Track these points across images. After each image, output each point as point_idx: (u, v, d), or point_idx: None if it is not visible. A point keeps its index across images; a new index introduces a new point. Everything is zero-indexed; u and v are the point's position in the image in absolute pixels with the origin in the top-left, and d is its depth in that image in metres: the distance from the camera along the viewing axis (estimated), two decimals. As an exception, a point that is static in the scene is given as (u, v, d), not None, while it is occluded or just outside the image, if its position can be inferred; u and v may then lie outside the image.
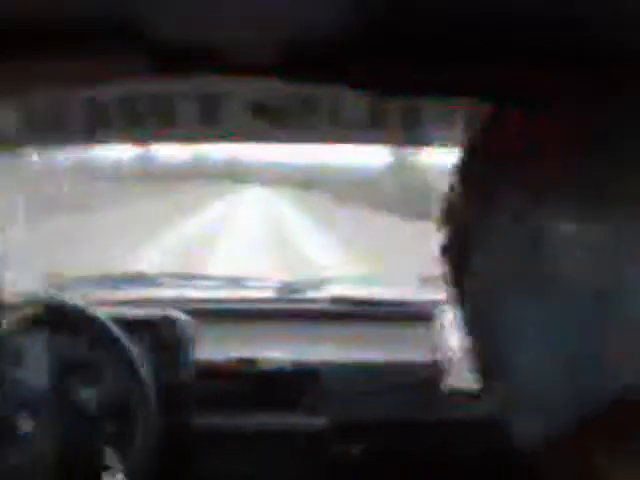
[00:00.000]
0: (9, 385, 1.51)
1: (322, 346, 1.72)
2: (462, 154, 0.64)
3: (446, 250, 0.64)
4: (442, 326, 1.68)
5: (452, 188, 0.63)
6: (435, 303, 1.78)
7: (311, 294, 1.99)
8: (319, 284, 2.05)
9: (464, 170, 0.62)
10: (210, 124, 1.29)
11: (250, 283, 2.12)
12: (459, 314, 0.62)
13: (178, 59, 0.86)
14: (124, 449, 1.47)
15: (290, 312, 1.88)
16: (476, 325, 0.60)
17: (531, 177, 0.56)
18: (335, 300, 1.91)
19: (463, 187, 0.61)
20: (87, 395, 1.53)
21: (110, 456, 1.49)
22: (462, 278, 0.60)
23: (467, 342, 0.64)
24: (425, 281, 2.13)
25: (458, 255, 0.61)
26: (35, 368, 1.53)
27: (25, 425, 1.46)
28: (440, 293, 1.93)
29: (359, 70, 0.85)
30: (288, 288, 2.02)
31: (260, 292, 2.02)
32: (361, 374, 1.65)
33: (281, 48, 0.85)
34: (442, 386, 1.60)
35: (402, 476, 1.66)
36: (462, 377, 1.60)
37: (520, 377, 0.57)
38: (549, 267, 0.54)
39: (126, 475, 1.43)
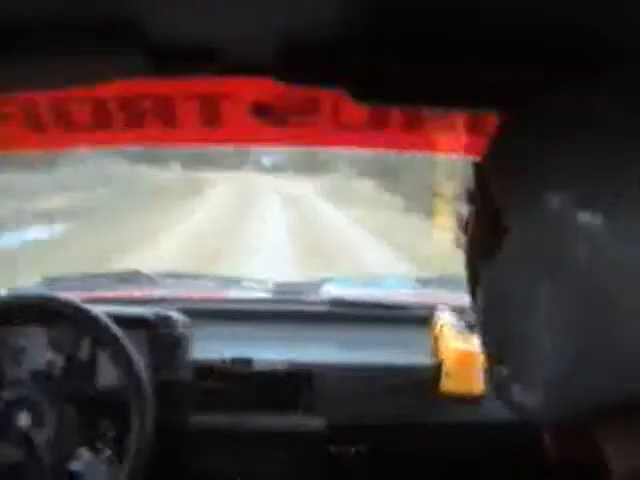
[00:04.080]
0: (8, 384, 1.51)
1: (318, 347, 1.72)
2: (491, 138, 0.66)
3: (469, 229, 0.66)
4: (440, 328, 1.68)
5: (479, 170, 0.65)
6: (434, 305, 1.78)
7: (308, 295, 1.98)
8: (316, 285, 2.05)
9: (496, 152, 0.64)
10: (210, 125, 1.29)
11: (247, 283, 2.12)
12: (477, 296, 0.64)
13: (178, 59, 0.86)
14: (121, 448, 1.46)
15: (287, 313, 1.88)
16: (493, 306, 0.62)
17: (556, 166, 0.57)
18: (332, 302, 1.91)
19: (494, 171, 0.63)
20: (84, 394, 1.52)
21: (107, 455, 1.49)
22: (483, 258, 0.62)
23: (481, 325, 0.66)
24: (423, 283, 2.13)
25: (482, 234, 0.63)
26: (33, 367, 1.53)
27: (23, 423, 1.45)
28: (438, 295, 1.94)
29: (359, 70, 0.85)
30: (285, 289, 2.02)
31: (257, 292, 2.02)
32: (358, 376, 1.65)
33: (281, 48, 0.85)
34: (440, 388, 1.60)
35: (400, 478, 1.66)
36: (460, 380, 1.60)
37: (535, 360, 0.58)
38: (569, 251, 0.55)
39: (123, 474, 1.43)
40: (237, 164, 19.19)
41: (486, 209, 0.62)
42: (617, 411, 0.56)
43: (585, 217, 0.55)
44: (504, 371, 0.62)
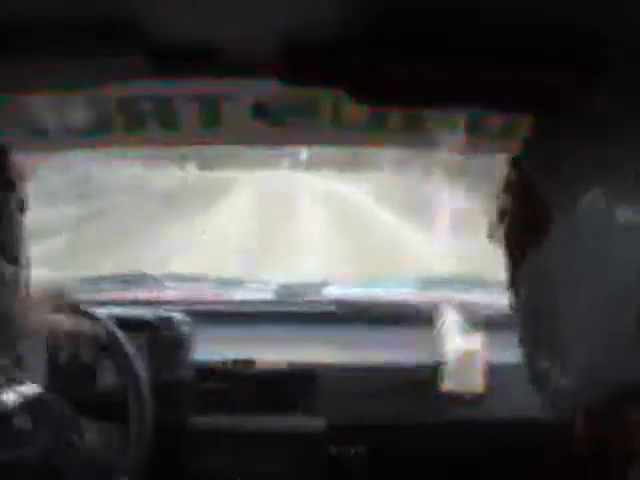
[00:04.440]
0: (8, 384, 1.51)
1: (320, 348, 1.72)
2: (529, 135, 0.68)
3: (508, 221, 0.69)
4: (442, 328, 1.68)
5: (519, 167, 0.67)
6: (435, 305, 1.78)
7: (310, 296, 1.98)
8: (318, 286, 2.05)
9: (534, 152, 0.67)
10: (210, 125, 1.29)
11: (249, 285, 2.12)
12: (518, 285, 0.67)
13: (178, 59, 0.86)
14: (121, 449, 1.46)
15: (289, 314, 1.88)
16: (532, 301, 0.65)
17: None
18: (334, 302, 1.91)
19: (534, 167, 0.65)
20: (85, 394, 1.53)
21: (106, 455, 1.49)
22: (528, 249, 0.65)
23: (520, 316, 0.68)
24: (425, 283, 2.13)
25: (526, 226, 0.66)
26: (34, 367, 1.53)
27: (23, 424, 1.45)
28: (440, 295, 1.94)
29: (359, 71, 0.85)
30: (287, 290, 2.02)
31: (259, 294, 2.02)
32: (359, 376, 1.65)
33: (281, 48, 0.85)
34: (440, 388, 1.60)
35: (400, 478, 1.66)
36: (461, 380, 1.60)
37: (573, 347, 0.61)
38: (607, 245, 0.58)
39: (123, 475, 1.43)
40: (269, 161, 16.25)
41: (529, 202, 0.64)
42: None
43: (623, 212, 0.57)
44: (544, 359, 0.65)
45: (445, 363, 1.61)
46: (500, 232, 0.71)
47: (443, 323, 1.69)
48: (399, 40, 0.80)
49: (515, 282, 0.68)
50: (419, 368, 1.64)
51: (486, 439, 1.62)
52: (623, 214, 0.57)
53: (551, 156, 0.64)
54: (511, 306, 0.71)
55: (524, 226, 0.66)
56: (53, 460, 1.45)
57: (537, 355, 0.66)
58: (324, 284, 2.06)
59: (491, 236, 0.73)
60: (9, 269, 0.66)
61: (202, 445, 1.62)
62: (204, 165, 15.36)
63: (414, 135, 1.32)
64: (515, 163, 0.69)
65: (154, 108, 1.24)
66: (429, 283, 2.13)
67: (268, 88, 1.10)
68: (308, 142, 1.50)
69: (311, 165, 18.18)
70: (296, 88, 0.99)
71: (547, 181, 0.63)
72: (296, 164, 17.71)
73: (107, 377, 1.54)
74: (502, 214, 0.70)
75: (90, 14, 0.73)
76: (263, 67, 0.90)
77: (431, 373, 1.61)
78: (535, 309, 0.65)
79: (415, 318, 1.80)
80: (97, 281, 2.03)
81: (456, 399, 1.60)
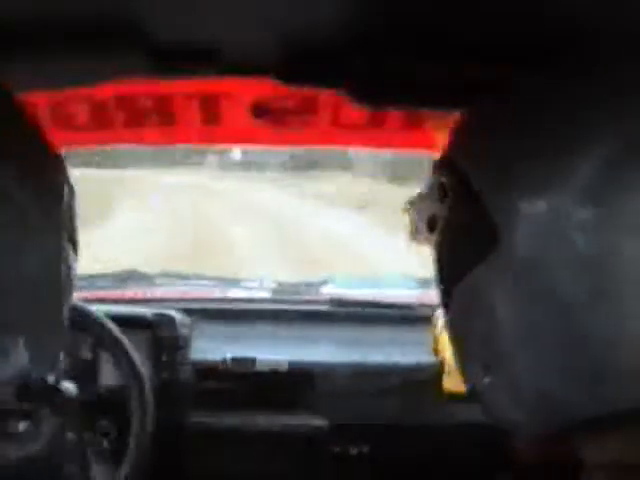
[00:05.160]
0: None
1: (319, 347, 1.72)
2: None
3: (441, 227, 0.62)
4: (441, 328, 1.68)
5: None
6: (434, 305, 1.78)
7: (309, 295, 1.98)
8: (317, 285, 2.05)
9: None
10: (210, 124, 1.29)
11: (248, 283, 2.12)
12: (454, 297, 0.61)
13: (178, 59, 0.86)
14: (121, 448, 1.46)
15: (287, 313, 1.88)
16: (476, 321, 0.58)
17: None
18: (333, 301, 1.91)
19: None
20: (85, 393, 1.52)
21: (107, 455, 1.49)
22: (466, 258, 0.58)
23: (460, 330, 0.63)
24: (424, 282, 2.13)
25: (463, 233, 0.60)
26: None
27: (23, 423, 1.45)
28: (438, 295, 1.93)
29: (359, 71, 0.85)
30: (286, 288, 2.02)
31: (258, 292, 2.02)
32: (359, 375, 1.65)
33: (281, 48, 0.85)
34: (441, 388, 1.60)
35: (400, 478, 1.66)
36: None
37: (523, 375, 0.56)
38: (555, 257, 0.52)
39: (123, 474, 1.43)
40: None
41: (467, 207, 0.58)
42: (597, 422, 0.54)
43: (575, 214, 0.52)
44: (486, 379, 0.59)
45: (445, 363, 1.60)
46: (428, 238, 0.64)
47: (443, 322, 1.69)
48: (399, 40, 0.80)
49: (449, 292, 0.61)
50: (419, 368, 1.64)
51: (485, 439, 1.62)
52: (575, 216, 0.52)
53: (488, 153, 0.57)
54: (447, 323, 0.65)
55: (458, 234, 0.60)
56: (53, 459, 1.45)
57: (480, 375, 0.60)
58: (323, 283, 2.06)
59: (414, 240, 0.67)
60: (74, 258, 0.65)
61: (201, 444, 1.62)
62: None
63: (414, 135, 1.32)
64: (447, 162, 0.62)
65: (154, 107, 1.24)
66: (429, 283, 2.12)
67: (268, 88, 1.10)
68: (308, 142, 1.50)
69: (249, 165, 11.32)
70: (295, 88, 0.99)
71: (492, 183, 0.56)
72: (227, 164, 11.57)
73: (107, 376, 1.54)
74: (431, 220, 0.63)
75: (90, 13, 0.72)
76: (263, 67, 0.90)
77: (431, 373, 1.61)
78: (477, 329, 0.58)
79: (415, 318, 1.80)
80: (92, 279, 2.03)
81: (456, 399, 1.60)
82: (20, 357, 0.59)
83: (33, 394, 0.91)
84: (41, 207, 0.59)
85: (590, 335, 0.52)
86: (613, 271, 0.51)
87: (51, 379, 1.10)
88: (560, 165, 0.53)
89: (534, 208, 0.53)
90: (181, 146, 1.80)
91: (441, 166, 0.63)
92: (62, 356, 1.52)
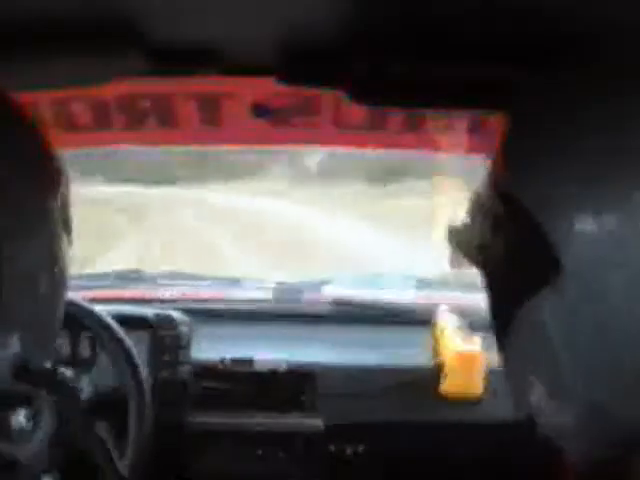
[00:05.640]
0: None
1: (319, 348, 1.72)
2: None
3: (490, 248, 0.62)
4: (441, 329, 1.68)
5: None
6: (434, 306, 1.78)
7: (309, 295, 1.98)
8: (317, 285, 2.04)
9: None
10: (210, 125, 1.29)
11: (248, 284, 2.11)
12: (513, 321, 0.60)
13: (178, 59, 0.86)
14: (120, 448, 1.46)
15: (287, 313, 1.87)
16: (538, 347, 0.58)
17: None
18: (333, 302, 1.91)
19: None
20: (84, 393, 1.52)
21: (105, 454, 1.49)
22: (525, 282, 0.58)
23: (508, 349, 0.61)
24: (424, 283, 2.13)
25: (515, 254, 0.59)
26: None
27: (21, 422, 1.45)
28: (439, 296, 1.94)
29: (359, 72, 0.85)
30: (286, 289, 2.01)
31: (258, 293, 2.02)
32: (358, 376, 1.65)
33: (281, 48, 0.85)
34: (440, 389, 1.60)
35: (399, 478, 1.66)
36: (460, 380, 1.60)
37: (581, 395, 0.56)
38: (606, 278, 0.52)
39: (122, 474, 1.43)
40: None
41: (521, 231, 0.57)
42: None
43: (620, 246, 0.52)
44: (539, 389, 0.59)
45: (444, 364, 1.61)
46: (477, 262, 0.64)
47: (442, 323, 1.69)
48: (399, 41, 0.80)
49: (506, 322, 0.60)
50: (418, 368, 1.64)
51: (485, 439, 1.62)
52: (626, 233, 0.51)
53: (538, 176, 0.56)
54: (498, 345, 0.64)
55: (514, 259, 0.59)
56: (52, 459, 1.45)
57: (528, 386, 0.59)
58: (323, 283, 2.06)
59: (456, 267, 0.67)
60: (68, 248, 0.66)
61: (201, 444, 1.62)
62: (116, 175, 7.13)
63: (414, 135, 1.32)
64: (495, 190, 0.60)
65: (154, 107, 1.24)
66: (429, 284, 2.12)
67: (268, 88, 1.10)
68: (308, 142, 1.50)
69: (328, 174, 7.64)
70: (296, 88, 0.99)
71: (538, 204, 0.56)
72: (301, 172, 7.93)
73: (106, 375, 1.54)
74: (481, 248, 0.62)
75: (90, 14, 0.72)
76: (263, 67, 0.90)
77: (430, 374, 1.61)
78: (533, 355, 0.58)
79: (414, 318, 1.80)
80: (93, 278, 2.03)
81: (455, 400, 1.60)
82: (15, 346, 0.60)
83: (30, 376, 0.92)
84: (36, 203, 0.59)
85: None
86: None
87: (48, 365, 1.10)
88: (612, 187, 0.53)
89: (587, 226, 0.53)
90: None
91: (489, 194, 0.62)
92: (59, 345, 1.52)
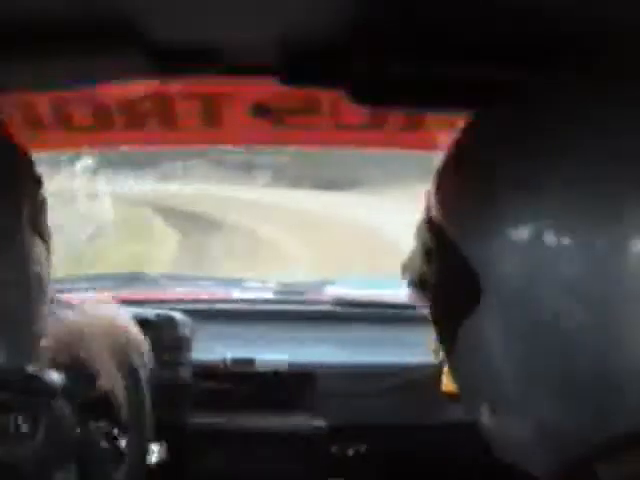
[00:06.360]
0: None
1: (320, 348, 1.72)
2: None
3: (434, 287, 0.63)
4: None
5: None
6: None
7: (310, 295, 1.98)
8: (319, 285, 2.05)
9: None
10: (210, 125, 1.29)
11: (249, 284, 2.12)
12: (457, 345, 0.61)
13: (179, 59, 0.86)
14: (120, 448, 1.46)
15: (289, 313, 1.88)
16: (477, 362, 0.59)
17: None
18: (335, 302, 1.91)
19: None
20: (84, 393, 1.52)
21: (105, 455, 1.49)
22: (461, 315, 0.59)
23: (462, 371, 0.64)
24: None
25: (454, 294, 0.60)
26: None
27: (21, 423, 1.45)
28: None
29: (359, 72, 0.85)
30: (287, 289, 2.02)
31: (259, 293, 2.02)
32: (359, 376, 1.65)
33: (281, 48, 0.85)
34: (440, 388, 1.60)
35: (400, 478, 1.66)
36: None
37: (527, 410, 0.56)
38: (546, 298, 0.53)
39: (123, 474, 1.43)
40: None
41: (448, 261, 0.59)
42: (607, 449, 0.53)
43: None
44: (493, 418, 0.60)
45: (445, 363, 1.60)
46: (422, 296, 0.66)
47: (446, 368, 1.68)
48: (400, 40, 0.80)
49: (450, 341, 0.62)
50: (419, 368, 1.64)
51: (485, 439, 1.62)
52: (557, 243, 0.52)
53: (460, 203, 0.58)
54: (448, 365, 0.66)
55: (447, 290, 0.61)
56: (52, 459, 1.45)
57: (477, 405, 0.61)
58: (324, 283, 2.06)
59: (414, 299, 0.68)
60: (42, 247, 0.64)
61: (201, 444, 1.62)
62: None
63: (414, 135, 1.32)
64: (428, 223, 0.62)
65: (154, 107, 1.24)
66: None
67: (268, 88, 1.10)
68: (308, 142, 1.50)
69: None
70: (296, 88, 0.99)
71: (459, 232, 0.57)
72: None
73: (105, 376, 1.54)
74: (422, 280, 0.64)
75: (90, 14, 0.72)
76: (263, 67, 0.90)
77: (431, 373, 1.61)
78: (474, 369, 0.60)
79: (415, 318, 1.80)
80: (94, 280, 2.03)
81: (455, 399, 1.60)
82: None
83: (11, 383, 0.92)
84: (3, 208, 0.59)
85: (587, 361, 0.52)
86: (603, 297, 0.51)
87: (30, 369, 1.10)
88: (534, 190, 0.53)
89: (513, 241, 0.54)
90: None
91: (423, 228, 0.64)
92: (43, 348, 1.52)
